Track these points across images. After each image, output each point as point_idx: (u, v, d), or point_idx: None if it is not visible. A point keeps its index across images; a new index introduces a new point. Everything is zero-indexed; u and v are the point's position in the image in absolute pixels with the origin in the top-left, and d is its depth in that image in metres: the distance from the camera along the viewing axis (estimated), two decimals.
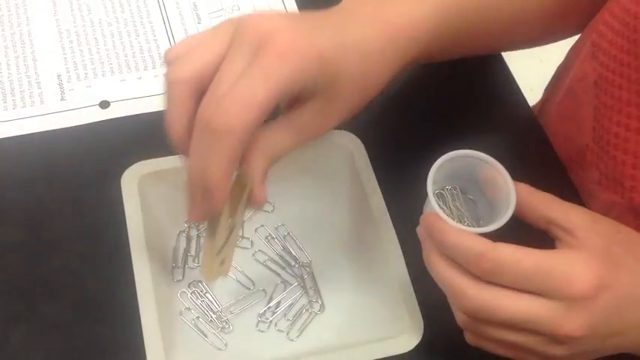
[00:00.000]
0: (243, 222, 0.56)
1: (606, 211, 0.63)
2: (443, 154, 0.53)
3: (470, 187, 0.56)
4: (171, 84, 0.48)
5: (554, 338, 0.48)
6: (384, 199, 0.61)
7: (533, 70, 1.00)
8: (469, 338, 0.53)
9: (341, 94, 0.51)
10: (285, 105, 0.52)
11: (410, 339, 0.56)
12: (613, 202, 0.63)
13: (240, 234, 0.58)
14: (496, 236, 0.50)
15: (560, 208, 0.51)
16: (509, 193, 0.51)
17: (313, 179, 0.63)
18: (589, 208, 0.64)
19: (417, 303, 0.57)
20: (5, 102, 0.66)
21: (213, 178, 0.46)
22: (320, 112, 0.51)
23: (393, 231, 0.60)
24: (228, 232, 0.52)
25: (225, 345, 0.57)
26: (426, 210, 0.53)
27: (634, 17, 0.57)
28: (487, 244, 0.48)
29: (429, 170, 0.52)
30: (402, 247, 0.59)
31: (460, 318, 0.51)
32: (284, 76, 0.45)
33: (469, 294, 0.48)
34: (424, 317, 0.57)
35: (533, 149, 0.69)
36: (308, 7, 0.74)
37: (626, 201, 0.61)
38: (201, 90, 0.47)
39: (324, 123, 0.52)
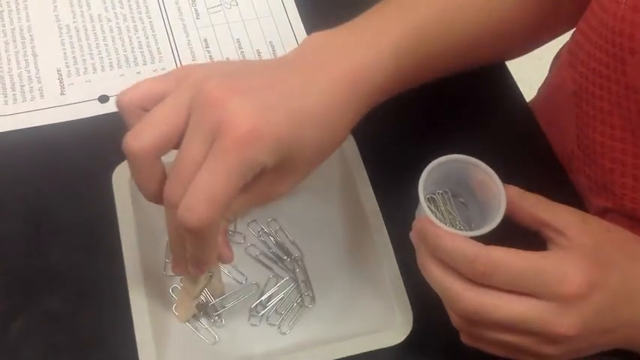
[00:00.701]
0: (220, 269, 0.59)
1: (601, 216, 0.63)
2: (437, 151, 0.53)
3: (460, 190, 0.56)
4: (133, 156, 0.49)
5: (548, 338, 0.49)
6: (375, 194, 0.62)
7: (532, 67, 1.00)
8: (465, 339, 0.54)
9: (298, 165, 0.51)
10: None
11: (399, 332, 0.57)
12: (605, 207, 0.63)
13: (222, 272, 0.61)
14: (488, 239, 0.51)
15: (551, 209, 0.52)
16: (500, 195, 0.52)
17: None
18: (585, 211, 0.65)
19: (406, 296, 0.58)
20: (6, 96, 0.68)
21: (194, 260, 0.51)
22: (277, 181, 0.51)
23: (384, 226, 0.60)
24: (205, 282, 0.56)
25: (217, 339, 0.59)
26: (418, 215, 0.54)
27: (611, 31, 0.56)
28: (480, 248, 0.49)
29: (421, 167, 0.53)
30: (392, 242, 0.60)
31: (456, 320, 0.52)
32: (243, 166, 0.46)
33: (464, 297, 0.49)
34: (413, 310, 0.58)
35: (532, 148, 0.69)
36: (305, 1, 0.75)
37: (618, 207, 0.62)
38: (163, 154, 0.49)
39: (280, 190, 0.52)
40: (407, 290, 0.59)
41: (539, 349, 0.50)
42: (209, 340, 0.59)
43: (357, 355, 0.56)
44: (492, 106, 0.71)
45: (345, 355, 0.56)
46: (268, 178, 0.50)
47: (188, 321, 0.59)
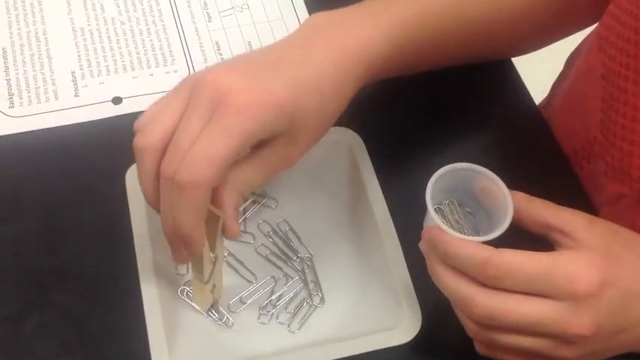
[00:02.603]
0: (225, 252, 0.59)
1: (614, 203, 0.64)
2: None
3: (466, 199, 0.57)
4: (138, 152, 0.51)
5: (564, 339, 0.49)
6: (384, 195, 0.62)
7: (540, 69, 1.01)
8: (479, 348, 0.54)
9: (302, 131, 0.53)
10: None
11: (408, 330, 0.57)
12: (620, 193, 0.63)
13: (225, 255, 0.61)
14: (497, 244, 0.51)
15: (557, 212, 0.52)
16: (506, 201, 0.52)
17: (315, 176, 0.65)
18: (596, 200, 0.65)
19: (415, 295, 0.59)
20: (21, 98, 0.69)
21: (186, 228, 0.50)
22: (284, 149, 0.53)
23: (392, 225, 0.61)
24: (212, 265, 0.56)
25: (232, 322, 0.59)
26: (427, 225, 0.54)
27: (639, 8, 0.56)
28: (491, 251, 0.49)
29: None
30: (400, 241, 0.60)
31: (470, 328, 0.52)
32: (242, 130, 0.48)
33: (477, 301, 0.49)
34: (422, 309, 0.58)
35: (539, 147, 0.69)
36: (315, 4, 0.76)
37: (634, 192, 0.62)
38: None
39: (289, 157, 0.54)
40: (415, 289, 0.59)
41: (556, 352, 0.50)
42: (226, 324, 0.59)
43: (366, 353, 0.56)
44: (501, 108, 0.71)
45: (353, 354, 0.56)
46: (276, 147, 0.52)
47: (210, 309, 0.59)
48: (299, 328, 0.60)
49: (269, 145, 0.52)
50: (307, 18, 0.58)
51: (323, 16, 0.57)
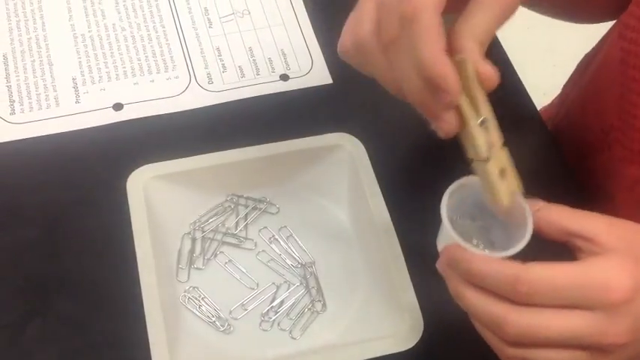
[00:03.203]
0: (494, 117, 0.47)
1: (631, 188, 0.63)
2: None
3: (476, 212, 0.54)
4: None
5: (600, 349, 0.48)
6: (386, 201, 0.62)
7: (546, 74, 1.01)
8: None
9: None
10: None
11: (410, 337, 0.57)
12: (638, 177, 0.63)
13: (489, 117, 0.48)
14: (517, 256, 0.49)
15: (576, 217, 0.50)
16: (525, 212, 0.50)
17: (316, 182, 0.65)
18: (612, 187, 0.64)
19: (416, 301, 0.59)
20: (22, 105, 0.69)
21: (430, 61, 0.44)
22: None
23: (394, 231, 0.61)
24: (485, 132, 0.46)
25: (231, 328, 0.59)
26: (441, 240, 0.52)
27: None
28: (519, 267, 0.47)
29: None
30: (402, 247, 0.60)
31: (504, 351, 0.49)
32: None
33: (509, 320, 0.47)
34: (424, 316, 0.58)
35: (540, 152, 0.69)
36: (316, 10, 0.76)
37: None
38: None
39: None
40: (417, 295, 0.59)
41: None
42: (227, 331, 0.59)
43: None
44: (501, 109, 0.71)
45: None
46: None
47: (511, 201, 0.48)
48: (301, 335, 0.60)
49: None
50: None
51: None
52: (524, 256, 0.49)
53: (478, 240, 0.54)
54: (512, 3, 0.48)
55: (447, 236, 0.50)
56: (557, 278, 0.47)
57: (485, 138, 0.46)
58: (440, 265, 0.51)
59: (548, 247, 0.50)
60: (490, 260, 0.48)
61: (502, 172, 0.47)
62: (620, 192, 0.65)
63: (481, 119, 0.45)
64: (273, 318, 0.60)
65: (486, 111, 0.46)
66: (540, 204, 0.51)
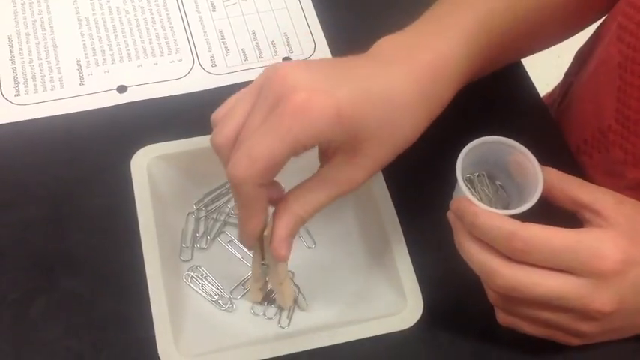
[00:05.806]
0: (288, 272, 0.59)
1: (634, 188, 0.64)
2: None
3: (497, 173, 0.57)
4: (215, 150, 0.51)
5: (585, 314, 0.50)
6: (388, 186, 0.62)
7: (549, 65, 1.01)
8: (501, 317, 0.54)
9: (366, 148, 0.50)
10: (320, 161, 0.54)
11: (410, 316, 0.58)
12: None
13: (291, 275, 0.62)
14: (525, 218, 0.51)
15: (588, 190, 0.53)
16: (537, 175, 0.53)
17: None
18: (614, 187, 0.65)
19: (416, 280, 0.59)
20: (27, 86, 0.69)
21: (240, 219, 0.52)
22: (347, 166, 0.51)
23: (394, 210, 0.61)
24: (260, 269, 0.57)
25: (233, 307, 0.60)
26: (456, 196, 0.54)
27: None
28: (517, 225, 0.49)
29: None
30: (401, 226, 0.61)
31: (493, 297, 0.53)
32: (293, 133, 0.46)
33: (502, 273, 0.50)
34: (424, 294, 0.59)
35: (544, 140, 0.69)
36: (323, 5, 0.76)
37: None
38: None
39: (353, 177, 0.52)
40: (417, 274, 0.59)
41: (576, 326, 0.51)
42: (230, 309, 0.60)
43: (368, 338, 0.57)
44: (507, 103, 0.71)
45: (356, 338, 0.57)
46: (337, 166, 0.51)
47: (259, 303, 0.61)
48: (301, 314, 0.60)
49: (331, 165, 0.51)
50: (377, 42, 0.55)
51: (393, 39, 0.55)
52: (536, 222, 0.50)
53: (492, 197, 0.57)
54: (345, 185, 0.52)
55: (460, 192, 0.53)
56: (551, 240, 0.49)
57: (258, 271, 0.58)
58: (450, 215, 0.54)
59: (560, 222, 0.51)
60: (493, 215, 0.50)
61: (263, 287, 0.60)
62: (623, 191, 0.65)
63: (265, 263, 0.57)
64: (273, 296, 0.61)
65: (270, 260, 0.56)
66: (555, 171, 0.54)
